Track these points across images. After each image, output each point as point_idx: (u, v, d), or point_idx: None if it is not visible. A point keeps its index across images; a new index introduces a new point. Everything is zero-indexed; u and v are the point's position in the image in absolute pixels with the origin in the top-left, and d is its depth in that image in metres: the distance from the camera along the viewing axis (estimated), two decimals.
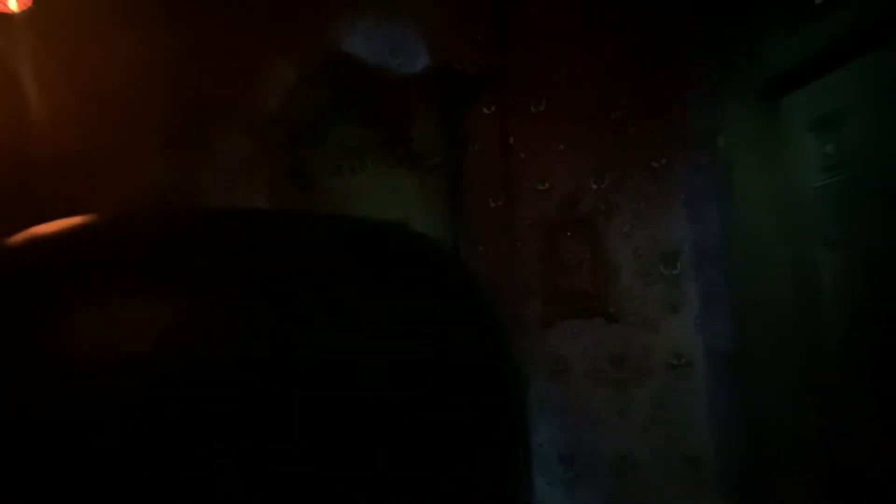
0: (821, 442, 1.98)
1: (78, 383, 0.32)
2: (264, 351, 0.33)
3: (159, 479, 0.31)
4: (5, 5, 2.13)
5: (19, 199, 2.61)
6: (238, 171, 2.92)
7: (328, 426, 0.33)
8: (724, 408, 2.27)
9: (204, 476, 0.31)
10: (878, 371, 1.75)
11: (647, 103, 2.37)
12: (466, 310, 0.41)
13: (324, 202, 2.76)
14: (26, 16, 2.24)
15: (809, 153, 1.96)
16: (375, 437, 0.33)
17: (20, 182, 2.72)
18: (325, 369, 0.33)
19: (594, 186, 2.47)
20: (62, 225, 0.38)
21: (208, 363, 0.32)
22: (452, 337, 0.39)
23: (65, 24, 2.38)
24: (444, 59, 2.61)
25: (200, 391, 0.32)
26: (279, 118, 2.86)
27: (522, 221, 2.56)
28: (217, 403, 0.32)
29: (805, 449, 1.99)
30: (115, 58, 2.63)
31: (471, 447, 0.37)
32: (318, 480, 0.32)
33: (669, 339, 2.35)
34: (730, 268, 2.15)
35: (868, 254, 1.79)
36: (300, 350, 0.33)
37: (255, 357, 0.32)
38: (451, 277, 0.41)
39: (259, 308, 0.34)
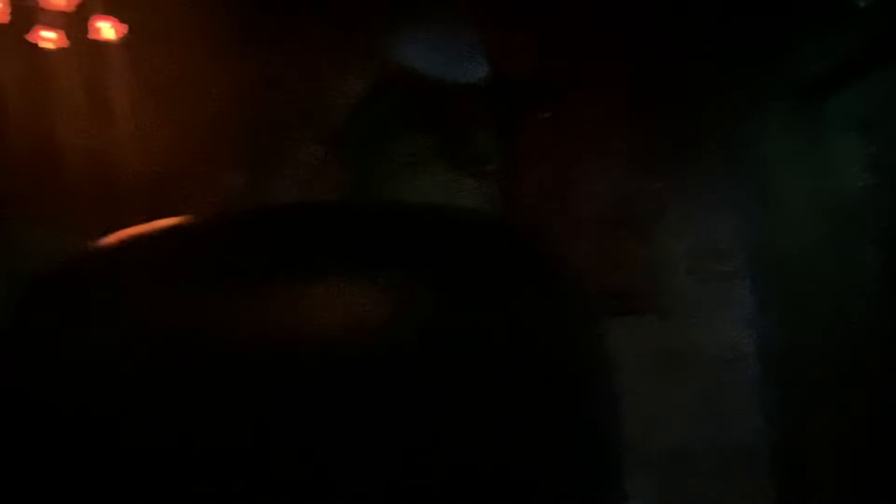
0: (867, 436, 2.03)
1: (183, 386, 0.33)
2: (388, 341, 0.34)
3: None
4: (100, 34, 2.35)
5: (108, 208, 2.84)
6: (307, 178, 3.11)
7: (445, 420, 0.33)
8: (773, 402, 2.33)
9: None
10: None
11: (696, 106, 2.45)
12: (553, 300, 0.40)
13: None
14: (119, 42, 2.47)
15: (853, 153, 2.02)
16: (476, 426, 0.34)
17: (108, 192, 2.96)
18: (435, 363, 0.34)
19: (647, 187, 2.56)
20: (154, 226, 0.39)
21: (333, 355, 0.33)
22: (542, 327, 0.38)
23: (152, 49, 2.60)
24: (501, 68, 2.74)
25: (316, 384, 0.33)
26: (345, 128, 3.04)
27: (576, 222, 2.67)
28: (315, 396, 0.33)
29: (851, 443, 2.05)
30: (195, 76, 2.85)
31: (559, 446, 0.37)
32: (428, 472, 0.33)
33: (721, 334, 2.42)
34: (778, 265, 2.21)
35: None
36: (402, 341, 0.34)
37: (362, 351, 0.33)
38: (538, 265, 0.41)
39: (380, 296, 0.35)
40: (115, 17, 2.41)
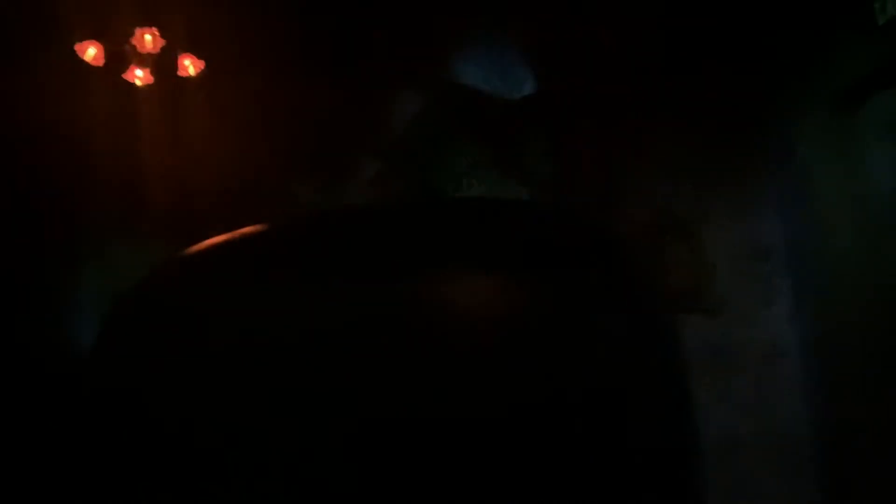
0: None
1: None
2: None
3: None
4: (186, 71, 2.62)
5: (187, 221, 3.10)
6: (371, 188, 3.33)
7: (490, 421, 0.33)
8: (814, 394, 2.45)
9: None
10: None
11: (736, 115, 2.57)
12: (628, 297, 0.40)
13: None
14: (198, 76, 2.72)
15: (885, 158, 2.12)
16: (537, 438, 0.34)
17: (187, 207, 3.22)
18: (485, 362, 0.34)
19: (691, 193, 2.69)
20: (237, 233, 0.40)
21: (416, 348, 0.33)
22: (615, 324, 0.38)
23: (227, 80, 2.85)
24: (549, 85, 2.90)
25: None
26: (405, 141, 3.25)
27: (625, 226, 2.82)
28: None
29: (891, 432, 2.15)
30: (265, 100, 3.09)
31: (635, 459, 0.36)
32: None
33: (764, 331, 2.55)
34: (816, 264, 2.33)
35: None
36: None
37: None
38: (611, 260, 0.40)
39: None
40: (194, 54, 2.67)
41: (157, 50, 2.55)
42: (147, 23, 2.49)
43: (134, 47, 2.52)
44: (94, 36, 2.51)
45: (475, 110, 3.10)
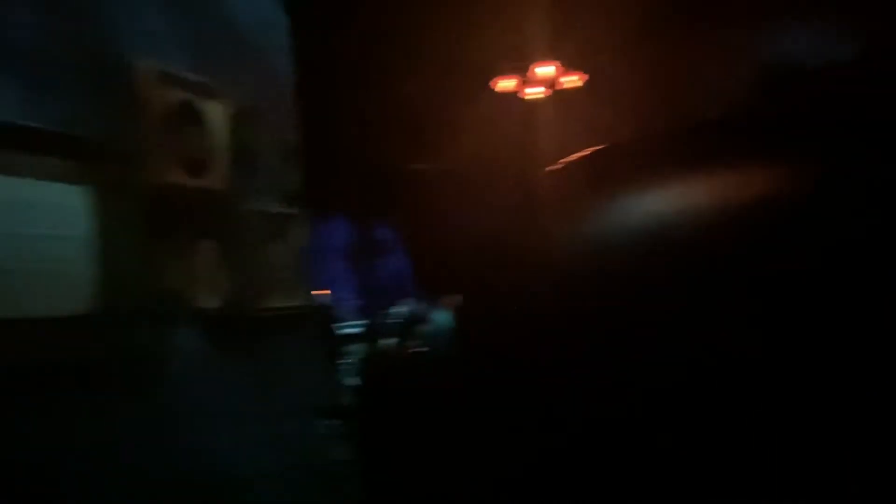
0: None
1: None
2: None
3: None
4: (571, 85, 3.38)
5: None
6: None
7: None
8: None
9: None
10: None
11: None
12: None
13: None
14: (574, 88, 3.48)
15: None
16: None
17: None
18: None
19: None
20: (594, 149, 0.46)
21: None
22: None
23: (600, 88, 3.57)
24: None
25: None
26: None
27: None
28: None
29: None
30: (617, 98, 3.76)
31: None
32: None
33: None
34: None
35: None
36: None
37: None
38: None
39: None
40: (577, 69, 3.41)
41: (555, 77, 3.35)
42: (548, 56, 3.28)
43: (535, 76, 3.32)
44: (508, 73, 3.36)
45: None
